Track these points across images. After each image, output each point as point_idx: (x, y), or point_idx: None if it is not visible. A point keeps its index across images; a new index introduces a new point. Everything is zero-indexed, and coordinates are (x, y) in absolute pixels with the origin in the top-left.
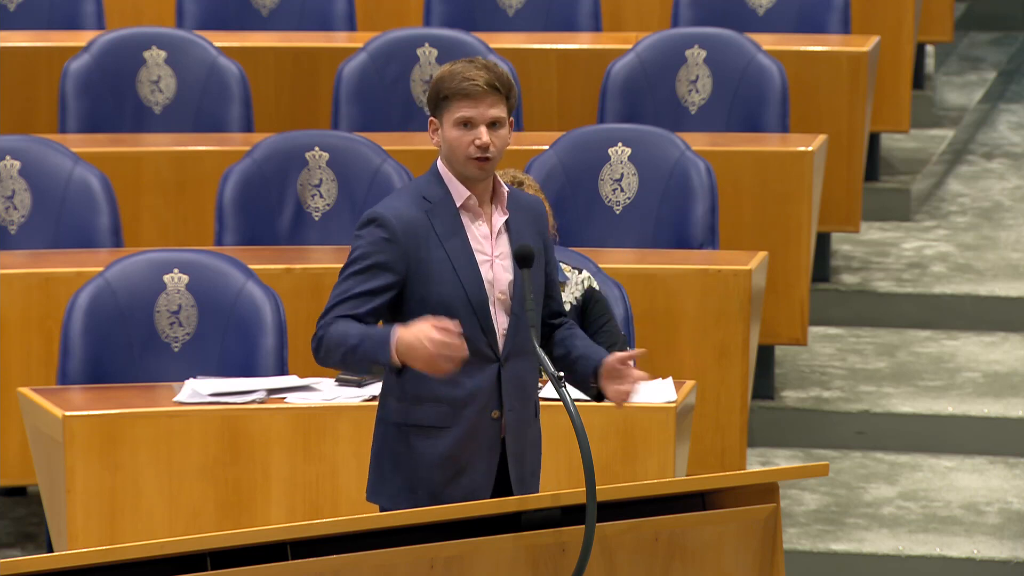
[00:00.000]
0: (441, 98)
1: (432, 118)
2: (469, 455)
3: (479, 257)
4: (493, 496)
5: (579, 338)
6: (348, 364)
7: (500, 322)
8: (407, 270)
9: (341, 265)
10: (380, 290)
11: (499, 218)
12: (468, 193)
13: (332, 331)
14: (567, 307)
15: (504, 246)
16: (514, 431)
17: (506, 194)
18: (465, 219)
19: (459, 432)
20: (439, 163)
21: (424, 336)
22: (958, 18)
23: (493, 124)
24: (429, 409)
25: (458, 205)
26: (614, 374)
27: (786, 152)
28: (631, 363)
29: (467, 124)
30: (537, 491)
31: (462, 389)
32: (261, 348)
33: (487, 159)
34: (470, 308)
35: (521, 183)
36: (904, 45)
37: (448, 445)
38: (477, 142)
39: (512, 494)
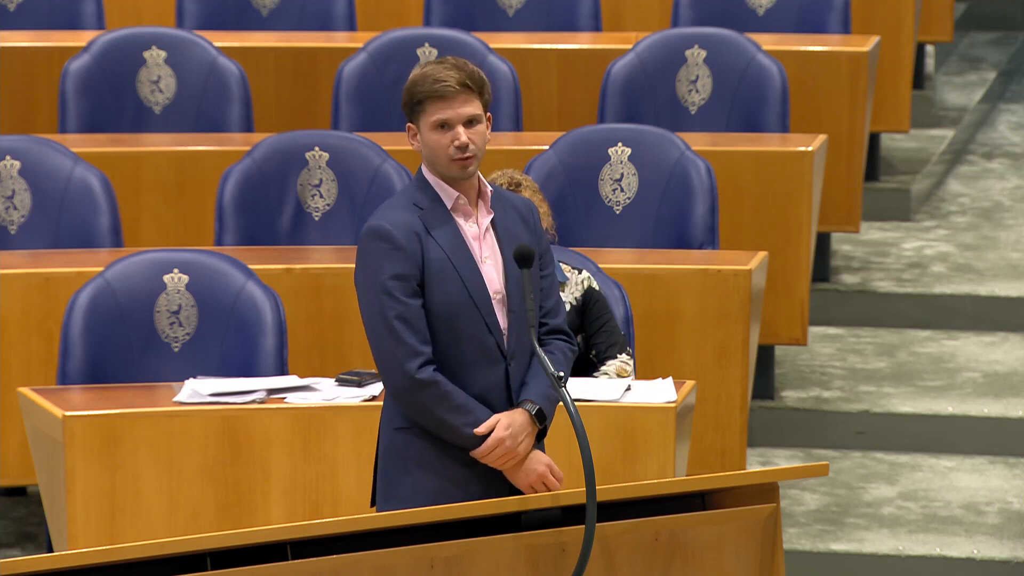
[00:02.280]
0: (415, 103)
1: (409, 124)
2: None
3: (475, 257)
4: (510, 494)
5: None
6: (442, 426)
7: (502, 321)
8: (419, 273)
9: (341, 265)
10: (414, 295)
11: (485, 218)
12: (457, 194)
13: (447, 384)
14: (567, 307)
15: (492, 246)
16: None
17: (490, 193)
18: (458, 220)
19: None
20: (423, 168)
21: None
22: (958, 18)
23: (469, 122)
24: None
25: (449, 207)
26: None
27: (786, 152)
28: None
29: (444, 126)
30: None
31: (472, 391)
32: (261, 348)
33: (468, 158)
34: (475, 308)
35: (519, 184)
36: (904, 45)
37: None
38: (456, 143)
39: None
